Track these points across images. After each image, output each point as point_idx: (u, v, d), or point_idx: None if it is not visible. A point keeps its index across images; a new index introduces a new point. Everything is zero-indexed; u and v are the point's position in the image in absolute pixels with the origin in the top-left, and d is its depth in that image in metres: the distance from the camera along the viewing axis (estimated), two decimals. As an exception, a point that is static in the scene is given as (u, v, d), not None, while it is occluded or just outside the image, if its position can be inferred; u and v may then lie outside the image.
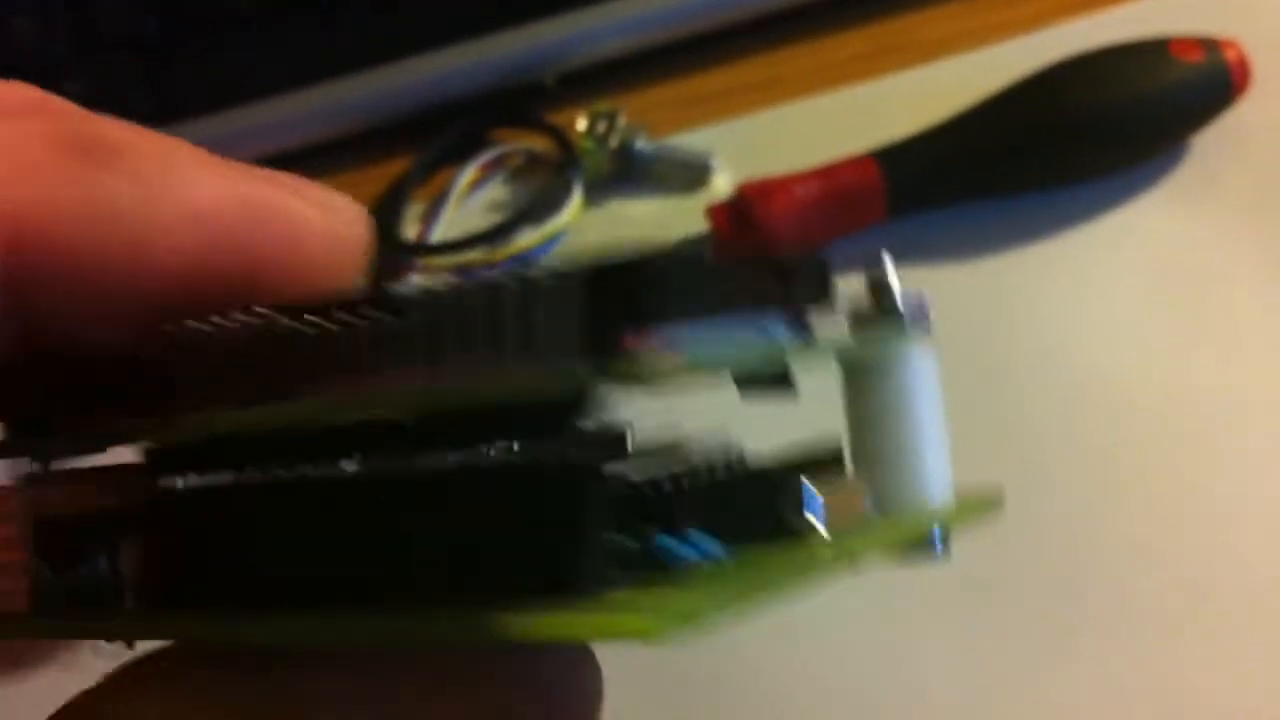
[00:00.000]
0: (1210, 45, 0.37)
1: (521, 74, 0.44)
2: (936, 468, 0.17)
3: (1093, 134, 0.38)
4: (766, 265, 0.15)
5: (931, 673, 0.30)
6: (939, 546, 0.16)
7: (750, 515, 0.15)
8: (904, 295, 0.17)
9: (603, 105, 0.42)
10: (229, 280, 0.15)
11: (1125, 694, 0.29)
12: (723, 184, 0.41)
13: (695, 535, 0.14)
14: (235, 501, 0.15)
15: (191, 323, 0.14)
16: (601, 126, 0.41)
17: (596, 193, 0.41)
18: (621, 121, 0.41)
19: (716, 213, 0.38)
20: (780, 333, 0.15)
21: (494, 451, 0.13)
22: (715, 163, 0.41)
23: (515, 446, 0.13)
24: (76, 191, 0.14)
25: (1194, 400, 0.33)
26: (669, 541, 0.14)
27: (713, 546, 0.14)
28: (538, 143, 0.43)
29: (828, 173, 0.38)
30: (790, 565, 0.14)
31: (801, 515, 0.15)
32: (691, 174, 0.41)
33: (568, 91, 0.44)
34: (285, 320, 0.14)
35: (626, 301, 0.12)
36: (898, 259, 0.17)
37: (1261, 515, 0.31)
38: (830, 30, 0.45)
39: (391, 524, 0.14)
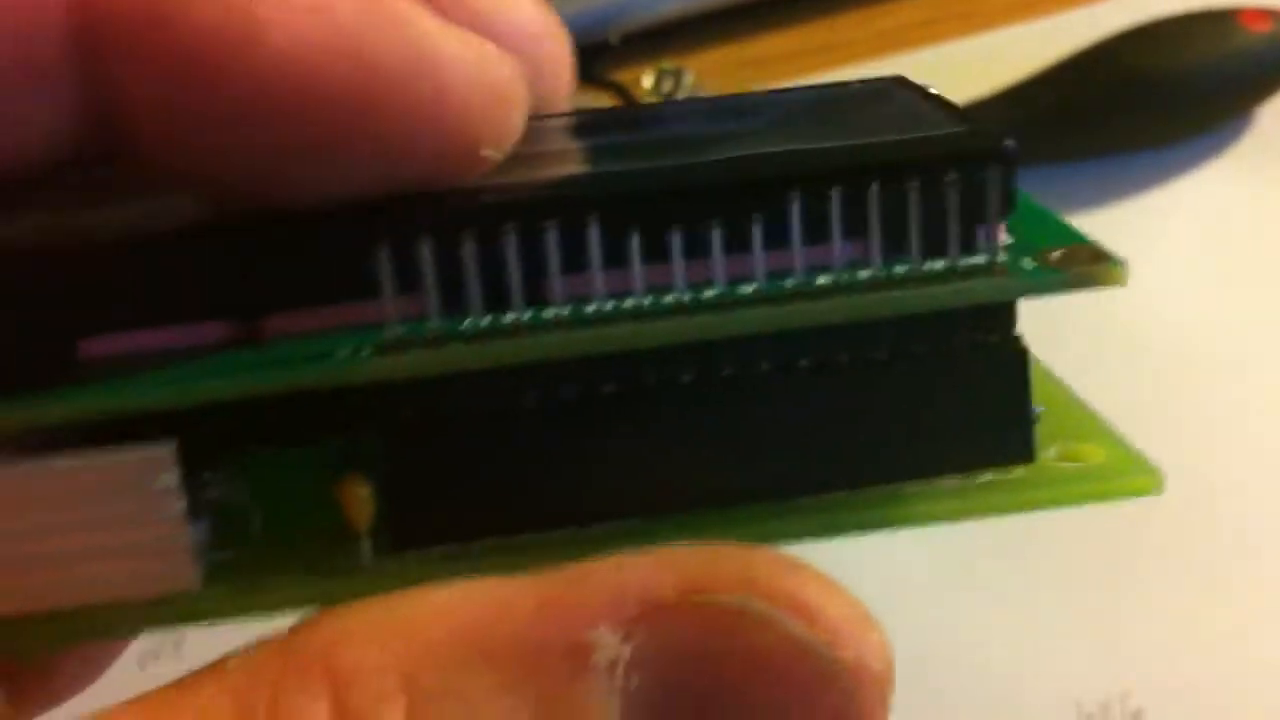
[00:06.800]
0: (1278, 15, 0.38)
1: (587, 33, 0.44)
2: None
3: (1157, 102, 0.38)
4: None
5: (976, 630, 0.30)
6: None
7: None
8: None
9: (668, 64, 0.42)
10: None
11: (1180, 649, 0.29)
12: (784, 144, 0.41)
13: None
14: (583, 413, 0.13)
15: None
16: (667, 84, 0.41)
17: (660, 150, 0.42)
18: (687, 80, 0.42)
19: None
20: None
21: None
22: (777, 123, 0.41)
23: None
24: None
25: (1250, 361, 0.34)
26: None
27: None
28: (603, 99, 0.43)
29: (892, 135, 0.38)
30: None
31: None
32: (753, 134, 0.42)
33: (630, 51, 0.44)
34: None
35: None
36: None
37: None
38: (892, -4, 0.45)
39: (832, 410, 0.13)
